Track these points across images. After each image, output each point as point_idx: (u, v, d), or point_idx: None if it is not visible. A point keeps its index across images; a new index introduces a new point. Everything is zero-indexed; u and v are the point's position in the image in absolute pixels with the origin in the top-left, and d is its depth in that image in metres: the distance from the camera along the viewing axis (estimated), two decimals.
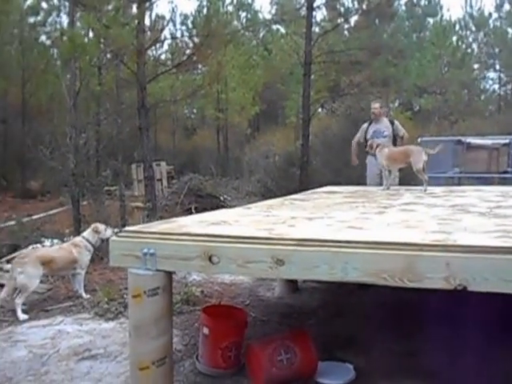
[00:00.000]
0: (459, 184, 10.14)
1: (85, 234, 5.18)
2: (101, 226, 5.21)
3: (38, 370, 3.29)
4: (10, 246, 6.71)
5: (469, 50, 25.70)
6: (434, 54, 22.17)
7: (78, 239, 5.14)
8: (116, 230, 6.91)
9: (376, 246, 2.12)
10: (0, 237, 7.23)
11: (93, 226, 5.20)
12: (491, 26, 26.44)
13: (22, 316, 4.35)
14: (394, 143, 7.53)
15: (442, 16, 26.49)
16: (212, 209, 9.31)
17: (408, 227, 2.80)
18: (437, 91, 22.09)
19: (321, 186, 7.09)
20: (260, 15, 28.60)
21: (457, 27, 26.06)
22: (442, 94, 21.84)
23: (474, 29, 26.67)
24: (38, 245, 6.43)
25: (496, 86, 27.83)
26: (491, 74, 27.22)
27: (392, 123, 7.58)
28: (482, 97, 28.09)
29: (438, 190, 5.73)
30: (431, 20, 26.76)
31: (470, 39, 26.85)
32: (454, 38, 24.81)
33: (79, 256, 4.91)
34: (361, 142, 7.69)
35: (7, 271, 5.86)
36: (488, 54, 26.48)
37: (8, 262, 6.25)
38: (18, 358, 3.50)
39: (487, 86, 28.32)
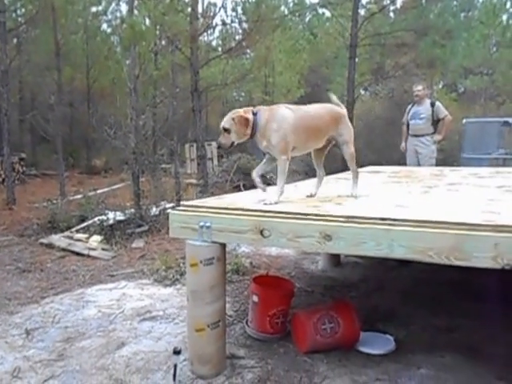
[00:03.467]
0: (504, 165, 9.65)
1: None
2: None
3: (107, 328, 3.45)
4: (78, 217, 6.94)
5: None
6: (482, 34, 20.47)
7: None
8: (172, 204, 7.10)
9: (423, 224, 2.06)
10: (70, 208, 7.49)
11: None
12: None
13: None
14: (435, 125, 7.28)
15: None
16: None
17: (455, 206, 2.71)
18: (484, 72, 20.73)
19: (363, 166, 6.96)
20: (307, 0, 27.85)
21: (508, 4, 23.48)
22: (489, 75, 20.43)
23: None
24: (104, 216, 6.65)
25: None
26: None
27: (433, 105, 7.30)
28: None
29: (483, 170, 5.45)
30: None
31: None
32: (505, 17, 22.26)
33: None
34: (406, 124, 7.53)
35: (78, 240, 6.14)
36: None
37: (78, 231, 6.53)
38: (89, 316, 3.67)
39: None
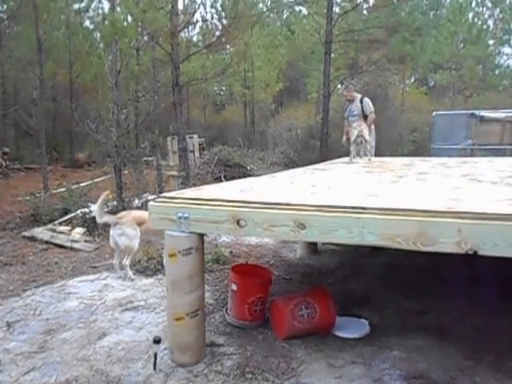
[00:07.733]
0: (471, 155, 9.85)
1: None
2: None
3: (88, 319, 3.37)
4: (61, 209, 6.80)
5: (484, 27, 24.01)
6: (450, 31, 21.01)
7: None
8: (154, 196, 7.01)
9: (391, 212, 2.05)
10: (53, 201, 7.33)
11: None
12: (507, 1, 24.81)
13: (132, 276, 4.20)
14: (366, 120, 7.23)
15: None
16: (239, 177, 9.32)
17: (422, 195, 2.70)
18: (452, 67, 21.12)
19: (339, 156, 6.95)
20: None
21: (473, 4, 24.28)
22: (457, 70, 20.85)
23: (490, 5, 25.08)
24: (86, 209, 6.52)
25: (511, 61, 26.67)
26: (506, 50, 25.91)
27: (361, 101, 7.23)
28: (497, 71, 26.67)
29: (451, 160, 5.50)
30: None
31: (486, 15, 25.22)
32: (470, 15, 23.21)
33: None
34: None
35: (61, 232, 6.01)
36: (503, 29, 25.15)
37: (60, 224, 6.39)
38: (70, 307, 3.59)
39: (501, 61, 27.04)
